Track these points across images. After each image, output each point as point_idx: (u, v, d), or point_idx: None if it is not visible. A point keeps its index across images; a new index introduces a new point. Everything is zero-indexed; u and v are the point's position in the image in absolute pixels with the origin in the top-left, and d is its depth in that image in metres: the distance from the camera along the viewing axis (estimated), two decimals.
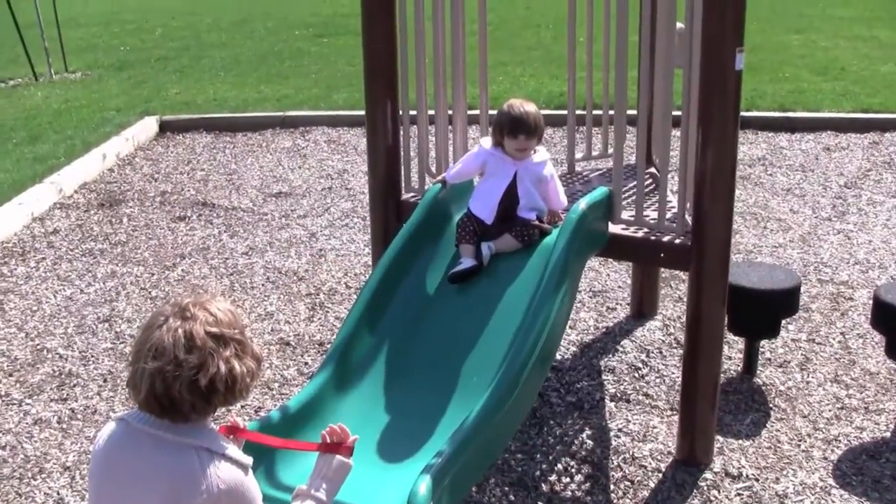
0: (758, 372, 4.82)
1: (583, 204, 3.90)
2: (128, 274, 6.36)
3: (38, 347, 5.36)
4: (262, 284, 6.17)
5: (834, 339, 5.17)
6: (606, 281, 5.98)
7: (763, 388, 4.70)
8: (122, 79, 13.01)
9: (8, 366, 5.17)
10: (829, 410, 4.50)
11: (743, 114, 9.47)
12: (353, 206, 7.66)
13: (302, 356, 5.21)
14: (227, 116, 10.40)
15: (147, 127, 10.02)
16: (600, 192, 4.02)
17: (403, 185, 4.72)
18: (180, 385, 2.36)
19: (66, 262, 6.58)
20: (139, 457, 2.44)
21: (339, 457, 2.76)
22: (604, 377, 4.81)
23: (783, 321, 5.02)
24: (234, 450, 2.50)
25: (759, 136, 9.21)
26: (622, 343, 5.15)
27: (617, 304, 5.65)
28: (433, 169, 4.73)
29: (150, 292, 6.07)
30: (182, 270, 6.41)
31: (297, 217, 7.43)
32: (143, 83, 12.56)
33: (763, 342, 4.91)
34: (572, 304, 3.92)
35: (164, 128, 10.22)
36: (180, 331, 2.38)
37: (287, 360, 5.17)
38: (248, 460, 2.52)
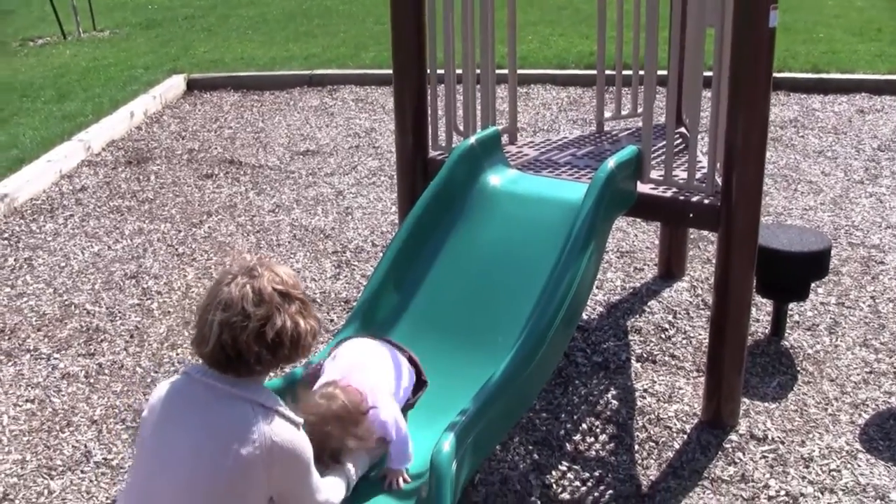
0: (786, 335, 4.77)
1: (611, 162, 3.86)
2: (155, 231, 6.38)
3: (66, 303, 5.39)
4: (289, 242, 6.17)
5: (864, 302, 5.12)
6: (634, 241, 5.94)
7: (791, 351, 4.66)
8: (150, 37, 12.99)
9: (36, 321, 5.21)
10: (857, 374, 4.46)
11: (774, 75, 9.39)
12: (380, 164, 7.63)
13: (328, 313, 5.22)
14: (255, 75, 10.37)
15: (175, 85, 10.01)
16: (629, 150, 3.97)
17: (430, 143, 4.68)
18: (248, 335, 2.49)
19: (93, 219, 6.61)
20: (195, 405, 2.54)
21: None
22: (630, 338, 4.79)
23: (812, 284, 4.96)
24: (286, 408, 2.60)
25: (791, 97, 9.09)
26: (649, 304, 5.12)
27: (644, 264, 5.62)
28: (460, 127, 4.69)
29: (176, 249, 6.08)
30: (209, 227, 6.42)
31: (323, 175, 7.41)
32: (170, 41, 12.53)
33: (791, 305, 4.87)
34: (599, 264, 3.89)
35: (192, 86, 10.21)
36: (248, 286, 2.51)
37: None
38: (300, 419, 2.62)
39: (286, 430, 2.55)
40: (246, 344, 2.49)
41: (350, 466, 3.05)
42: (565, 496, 3.72)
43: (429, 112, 4.62)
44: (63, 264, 5.90)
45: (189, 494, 2.48)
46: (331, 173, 7.46)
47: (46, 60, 11.66)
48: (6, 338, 5.03)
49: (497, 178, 4.25)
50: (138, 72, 10.56)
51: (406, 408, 3.43)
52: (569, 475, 3.84)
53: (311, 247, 6.08)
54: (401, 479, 3.19)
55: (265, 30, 13.29)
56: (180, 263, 5.86)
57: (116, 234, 6.34)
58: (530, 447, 4.01)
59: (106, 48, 12.26)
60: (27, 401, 4.47)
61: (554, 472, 3.86)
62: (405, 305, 3.98)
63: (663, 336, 4.79)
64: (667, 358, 4.59)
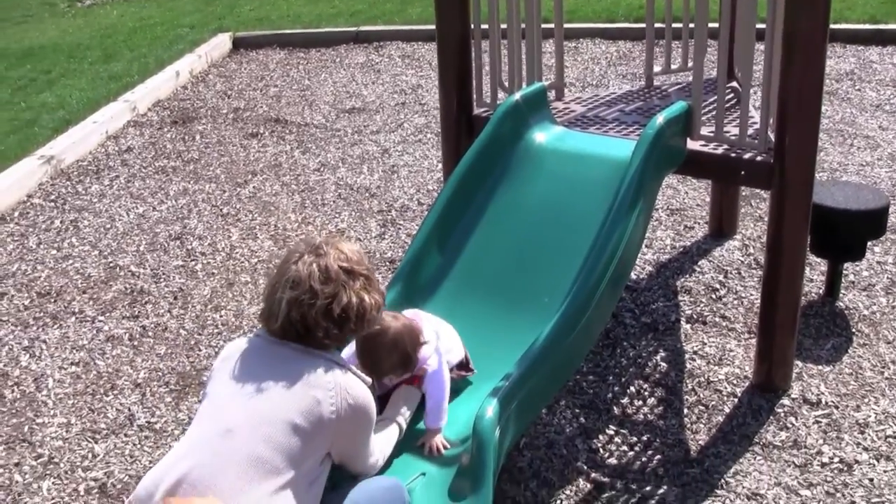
0: (840, 295, 4.63)
1: (660, 118, 3.73)
2: (199, 191, 6.36)
3: (111, 265, 5.39)
4: (334, 201, 6.11)
5: None
6: (685, 199, 5.81)
7: (846, 312, 4.52)
8: None
9: (82, 283, 5.21)
10: None
11: (831, 26, 9.12)
12: (426, 121, 7.53)
13: None
14: (301, 32, 10.29)
15: (220, 44, 9.96)
16: (679, 106, 3.84)
17: (475, 99, 4.58)
18: (316, 312, 2.62)
19: (139, 180, 6.60)
20: (276, 357, 2.64)
21: (411, 387, 3.21)
22: (680, 298, 4.68)
23: (869, 243, 4.81)
24: (358, 370, 2.73)
25: (848, 49, 8.82)
26: (699, 263, 5.00)
27: (695, 222, 5.48)
28: (505, 84, 4.58)
29: (221, 209, 6.05)
30: (253, 187, 6.39)
31: (369, 133, 7.34)
32: (216, 0, 12.48)
33: (847, 264, 4.72)
34: (648, 222, 3.78)
35: (238, 44, 10.16)
36: (314, 265, 2.64)
37: None
38: (369, 380, 2.76)
39: (359, 386, 2.65)
40: (314, 320, 2.60)
41: (404, 409, 3.18)
42: (612, 461, 3.64)
43: (473, 68, 4.52)
44: (108, 226, 5.90)
45: (263, 420, 2.52)
46: (377, 131, 7.38)
47: (94, 21, 11.68)
48: (52, 300, 5.04)
49: (543, 136, 4.15)
50: (184, 31, 10.54)
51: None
52: (616, 439, 3.77)
53: (357, 206, 6.02)
54: (440, 443, 3.16)
55: None
56: (224, 224, 5.83)
57: (161, 195, 6.32)
58: (577, 410, 3.93)
59: (152, 8, 12.24)
60: (72, 363, 4.47)
61: (601, 437, 3.78)
62: (448, 267, 3.91)
63: (714, 296, 4.67)
64: (717, 319, 4.48)
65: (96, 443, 3.93)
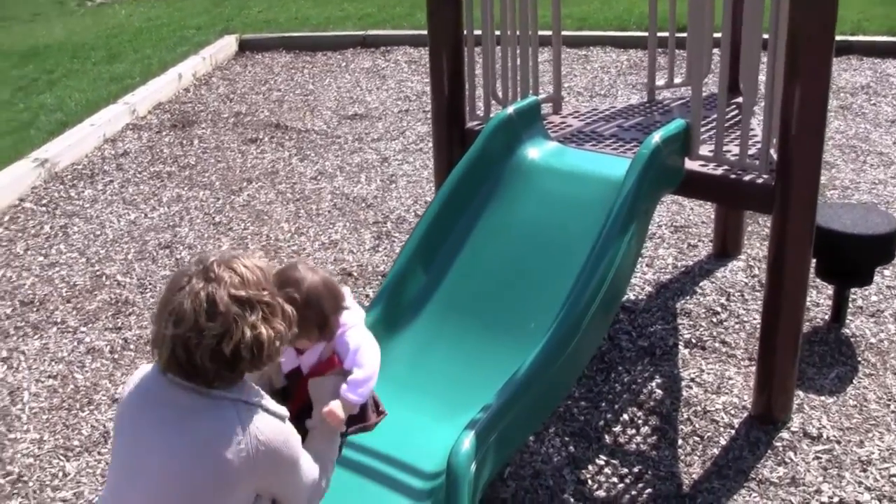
0: (847, 321, 4.44)
1: (657, 137, 3.57)
2: (193, 198, 6.22)
3: (98, 273, 5.25)
4: (329, 211, 5.96)
5: None
6: (689, 215, 5.63)
7: (852, 339, 4.33)
8: None
9: (67, 292, 5.08)
10: None
11: (847, 38, 8.92)
12: (429, 129, 7.36)
13: (364, 288, 5.01)
14: (308, 35, 10.14)
15: (226, 46, 9.83)
16: (676, 124, 3.67)
17: (468, 111, 4.42)
18: (202, 353, 2.23)
19: (132, 185, 6.47)
20: (170, 407, 2.31)
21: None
22: (679, 321, 4.50)
23: (877, 268, 4.62)
24: (269, 401, 2.38)
25: (864, 62, 8.59)
26: (701, 284, 4.82)
27: (699, 240, 5.31)
28: (500, 94, 4.42)
29: (213, 218, 5.91)
30: (248, 195, 6.24)
31: (370, 140, 7.19)
32: (226, 1, 12.35)
33: (854, 289, 4.53)
34: (641, 245, 3.62)
35: (244, 47, 10.03)
36: (202, 294, 2.23)
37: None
38: (284, 411, 2.40)
39: (272, 427, 2.32)
40: (200, 361, 2.23)
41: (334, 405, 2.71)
42: (601, 493, 3.48)
43: (466, 78, 4.36)
44: (98, 233, 5.77)
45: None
46: (378, 138, 7.22)
47: (102, 20, 11.57)
48: (35, 309, 4.91)
49: (535, 152, 3.99)
50: (190, 32, 10.41)
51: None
52: (606, 470, 3.60)
53: (352, 216, 5.87)
54: (339, 412, 2.69)
55: None
56: (216, 233, 5.69)
57: (154, 202, 6.19)
58: (566, 438, 3.77)
59: (161, 8, 12.12)
60: (50, 376, 4.34)
61: (590, 467, 3.62)
62: (433, 288, 3.75)
63: (714, 320, 4.49)
64: (717, 344, 4.30)
65: (68, 461, 3.79)
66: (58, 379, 4.32)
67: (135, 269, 5.28)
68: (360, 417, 2.95)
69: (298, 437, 2.44)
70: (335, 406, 2.70)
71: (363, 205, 6.04)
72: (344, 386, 2.74)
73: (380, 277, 5.07)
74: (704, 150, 3.77)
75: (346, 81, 8.77)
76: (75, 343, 4.59)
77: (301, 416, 2.76)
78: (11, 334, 4.69)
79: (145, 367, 2.41)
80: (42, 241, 5.69)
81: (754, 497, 3.41)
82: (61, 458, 3.81)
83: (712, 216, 5.36)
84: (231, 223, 5.82)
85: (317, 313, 2.69)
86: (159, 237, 5.66)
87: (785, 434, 3.71)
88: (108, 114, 7.60)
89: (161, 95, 8.31)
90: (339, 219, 5.85)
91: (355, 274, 5.15)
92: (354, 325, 2.86)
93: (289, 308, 2.39)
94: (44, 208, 6.14)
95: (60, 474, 3.72)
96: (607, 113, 4.53)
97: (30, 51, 9.97)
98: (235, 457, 2.25)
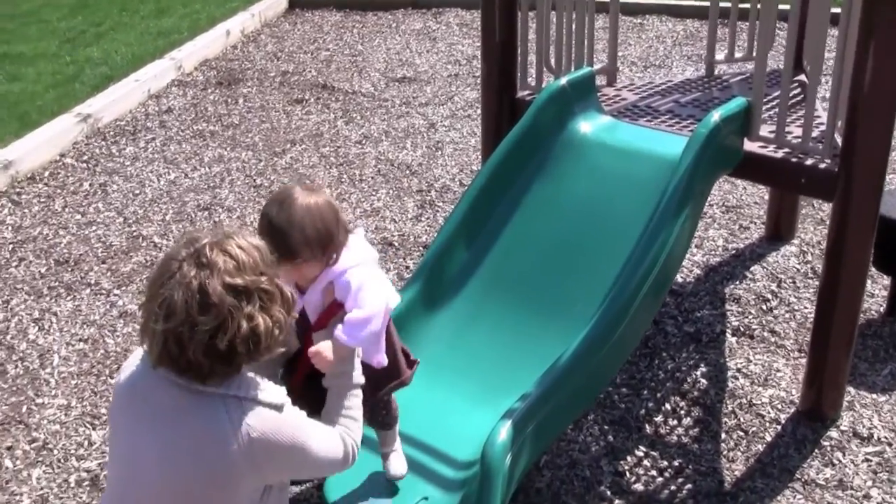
0: None
1: (716, 115, 3.40)
2: (235, 159, 6.12)
3: (134, 234, 5.17)
4: (372, 177, 5.83)
5: None
6: (742, 195, 5.43)
7: None
8: None
9: (102, 252, 5.01)
10: None
11: None
12: (478, 96, 7.17)
13: (404, 259, 4.89)
14: None
15: (276, 2, 9.68)
16: (737, 103, 3.49)
17: (519, 80, 4.26)
18: (194, 349, 2.06)
19: (174, 144, 6.38)
20: (161, 406, 2.16)
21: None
22: (727, 307, 4.34)
23: None
24: (265, 390, 2.19)
25: None
26: (752, 269, 4.64)
27: (751, 222, 5.11)
28: (552, 63, 4.25)
29: (254, 180, 5.81)
30: (291, 158, 6.13)
31: (417, 105, 7.03)
32: None
33: None
34: (694, 229, 3.46)
35: (294, 4, 9.86)
36: (194, 284, 2.05)
37: (388, 262, 4.86)
38: (282, 398, 2.21)
39: (267, 421, 2.16)
40: (194, 356, 2.07)
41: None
42: (638, 487, 3.35)
43: (519, 45, 4.19)
44: (137, 192, 5.68)
45: None
46: (425, 103, 7.07)
47: None
48: (69, 269, 4.85)
49: (588, 125, 3.84)
50: None
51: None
52: (645, 462, 3.47)
53: (395, 183, 5.74)
54: (326, 353, 2.49)
55: None
56: (256, 196, 5.59)
57: (195, 161, 6.09)
58: (606, 427, 3.64)
59: None
60: (81, 340, 4.27)
61: (629, 458, 3.48)
62: (475, 265, 3.63)
63: (764, 308, 4.32)
64: (766, 333, 4.13)
65: (94, 429, 3.72)
66: (88, 343, 4.25)
67: (172, 231, 5.19)
68: (393, 373, 2.82)
69: (301, 419, 2.26)
70: (323, 346, 2.49)
71: (407, 172, 5.90)
72: (339, 325, 2.52)
73: (421, 249, 4.95)
74: (764, 130, 3.59)
75: (396, 43, 8.61)
76: (108, 306, 4.52)
77: (313, 376, 2.59)
78: (45, 294, 4.63)
79: (137, 355, 2.25)
80: (80, 198, 5.62)
81: (799, 499, 3.26)
82: (87, 426, 3.75)
83: (766, 197, 5.16)
84: (272, 186, 5.71)
85: (316, 228, 2.48)
86: (199, 198, 5.57)
87: (833, 433, 3.55)
88: (153, 69, 7.50)
89: (208, 52, 8.20)
90: (382, 185, 5.73)
91: (396, 244, 5.03)
92: (359, 263, 2.61)
93: (288, 291, 2.20)
94: (84, 165, 6.07)
95: (86, 443, 3.65)
96: (663, 87, 4.35)
97: (79, 2, 9.88)
98: (230, 457, 2.12)
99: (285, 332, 2.22)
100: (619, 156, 3.70)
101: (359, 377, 2.55)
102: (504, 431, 2.76)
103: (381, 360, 2.63)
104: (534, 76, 4.31)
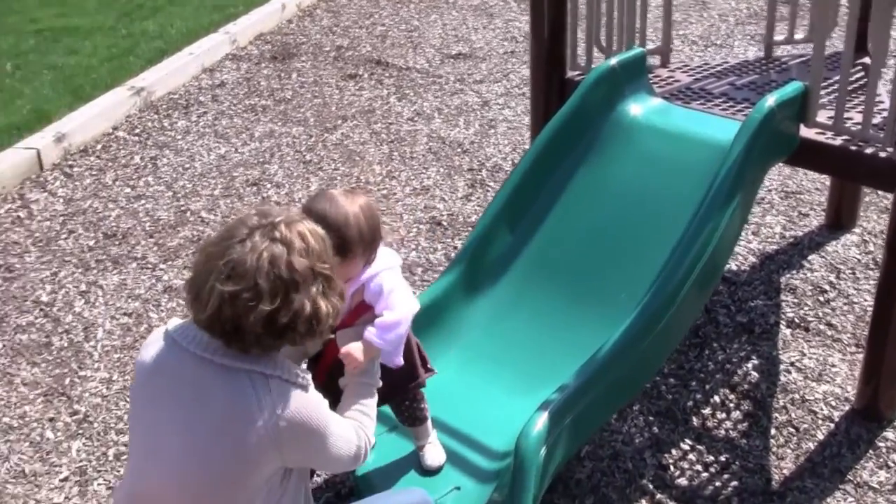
0: None
1: (770, 100, 3.26)
2: (285, 134, 6.07)
3: (182, 209, 5.16)
4: (423, 155, 5.75)
5: None
6: (802, 180, 5.25)
7: None
8: None
9: (150, 226, 5.00)
10: None
11: None
12: None
13: (452, 239, 4.82)
14: None
15: None
16: (794, 87, 3.35)
17: (569, 59, 4.15)
18: (255, 317, 2.01)
19: (226, 118, 6.35)
20: (184, 383, 2.13)
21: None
22: (782, 297, 4.19)
23: None
24: (289, 369, 2.15)
25: None
26: (810, 258, 4.48)
27: (811, 208, 4.95)
28: (603, 42, 4.13)
29: (304, 156, 5.76)
30: (342, 134, 6.07)
31: (472, 82, 6.93)
32: None
33: None
34: (745, 218, 3.33)
35: None
36: (266, 254, 2.02)
37: (436, 241, 4.79)
38: (306, 379, 2.18)
39: (293, 399, 2.11)
40: (250, 327, 2.03)
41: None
42: (682, 482, 3.25)
43: (569, 22, 4.07)
44: (187, 165, 5.67)
45: (186, 492, 2.14)
46: (480, 80, 6.96)
47: None
48: (117, 243, 4.84)
49: (638, 108, 3.72)
50: None
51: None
52: (690, 456, 3.36)
53: (446, 161, 5.66)
54: (357, 354, 2.51)
55: None
56: (305, 172, 5.54)
57: (246, 136, 6.06)
58: (651, 418, 3.53)
59: None
60: (125, 314, 4.26)
61: (674, 451, 3.38)
62: (518, 248, 3.55)
63: (821, 299, 4.17)
64: (822, 326, 3.99)
65: None
66: (132, 317, 4.24)
67: (219, 206, 5.16)
68: (412, 375, 2.82)
69: (324, 404, 2.22)
70: (353, 348, 2.51)
71: (459, 150, 5.81)
72: (371, 328, 2.54)
73: (470, 229, 4.86)
74: (822, 116, 3.44)
75: (453, 18, 8.49)
76: (153, 280, 4.51)
77: (334, 373, 2.60)
78: (92, 267, 4.63)
79: (158, 334, 2.22)
80: (131, 171, 5.61)
81: (850, 501, 3.13)
82: (128, 400, 3.73)
83: (827, 183, 4.99)
84: (321, 162, 5.66)
85: (359, 230, 2.50)
86: (248, 173, 5.53)
87: (890, 434, 3.40)
88: (207, 43, 7.48)
89: (263, 26, 8.16)
90: (433, 163, 5.64)
91: (445, 223, 4.95)
92: (389, 267, 2.65)
93: (341, 284, 2.20)
94: (136, 138, 6.07)
95: (126, 417, 3.64)
96: (719, 69, 4.20)
97: None
98: (255, 433, 2.08)
99: (336, 321, 2.21)
100: (668, 140, 3.58)
101: (377, 379, 2.57)
102: (540, 423, 2.68)
103: (399, 361, 2.66)
104: (584, 56, 4.19)
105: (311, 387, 2.20)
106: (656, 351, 3.06)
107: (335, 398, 2.49)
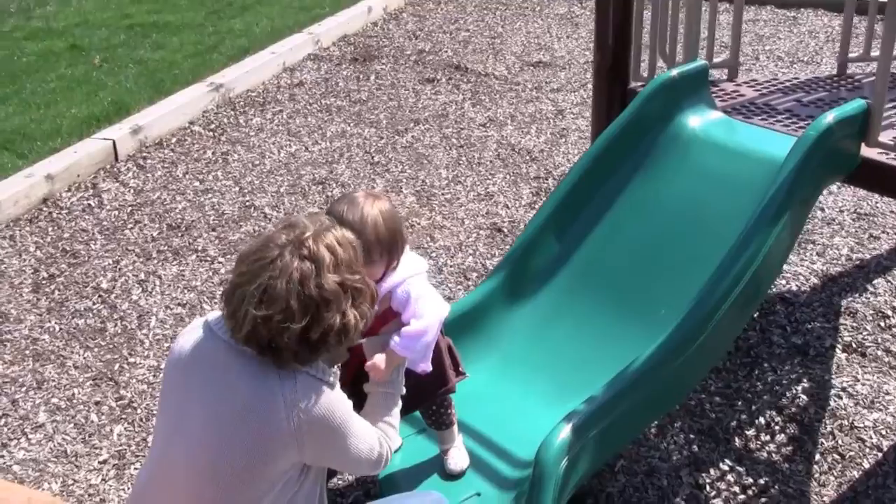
0: None
1: (829, 117, 3.16)
2: (357, 135, 6.11)
3: (247, 204, 5.23)
4: (491, 161, 5.74)
5: None
6: (877, 202, 5.09)
7: None
8: None
9: (214, 220, 5.07)
10: None
11: None
12: None
13: (511, 246, 4.78)
14: None
15: None
16: (855, 104, 3.24)
17: (632, 69, 4.09)
18: (288, 336, 2.08)
19: (300, 117, 6.42)
20: (215, 370, 2.20)
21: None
22: (841, 321, 4.07)
23: None
24: (319, 366, 2.21)
25: None
26: (875, 282, 4.34)
27: (883, 231, 4.80)
28: (668, 52, 4.06)
29: (372, 157, 5.79)
30: (412, 137, 6.09)
31: (549, 90, 6.89)
32: None
33: None
34: (794, 238, 3.23)
35: None
36: (296, 275, 2.08)
37: (494, 248, 4.77)
38: (332, 377, 2.23)
39: (318, 396, 2.16)
40: (286, 344, 2.09)
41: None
42: (717, 502, 3.16)
43: (633, 32, 4.02)
44: (256, 162, 5.74)
45: (203, 475, 2.17)
46: (557, 89, 6.92)
47: None
48: (180, 234, 4.93)
49: (696, 121, 3.64)
50: None
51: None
52: (728, 477, 3.28)
53: (514, 169, 5.63)
54: (382, 365, 2.54)
55: None
56: (372, 173, 5.57)
57: (318, 135, 6.12)
58: (692, 436, 3.46)
59: None
60: (179, 304, 4.33)
61: (712, 471, 3.30)
62: (564, 258, 3.51)
63: (882, 325, 4.03)
64: (879, 352, 3.86)
65: None
66: (186, 308, 4.31)
67: (284, 203, 5.22)
68: (441, 380, 2.80)
69: (348, 404, 2.26)
70: (378, 359, 2.54)
71: (527, 157, 5.78)
72: (396, 338, 2.55)
73: None
74: (886, 136, 3.32)
75: (537, 27, 8.47)
76: (210, 273, 4.57)
77: (360, 377, 2.62)
78: (153, 257, 4.72)
79: (198, 322, 2.29)
80: (202, 166, 5.71)
81: None
82: None
83: None
84: (389, 164, 5.69)
85: (379, 234, 2.51)
86: (315, 172, 5.59)
87: None
88: (290, 43, 7.59)
89: (348, 28, 8.25)
90: (500, 170, 5.63)
91: (505, 230, 4.93)
92: (416, 273, 2.65)
93: (372, 286, 2.25)
94: (210, 133, 6.17)
95: None
96: (787, 84, 4.10)
97: None
98: (276, 425, 2.12)
99: (367, 324, 2.26)
100: (723, 154, 3.50)
101: (401, 387, 2.60)
102: (563, 434, 2.63)
103: (426, 368, 2.65)
104: (647, 67, 4.13)
105: (338, 386, 2.24)
106: (691, 369, 2.98)
107: (360, 401, 2.54)
